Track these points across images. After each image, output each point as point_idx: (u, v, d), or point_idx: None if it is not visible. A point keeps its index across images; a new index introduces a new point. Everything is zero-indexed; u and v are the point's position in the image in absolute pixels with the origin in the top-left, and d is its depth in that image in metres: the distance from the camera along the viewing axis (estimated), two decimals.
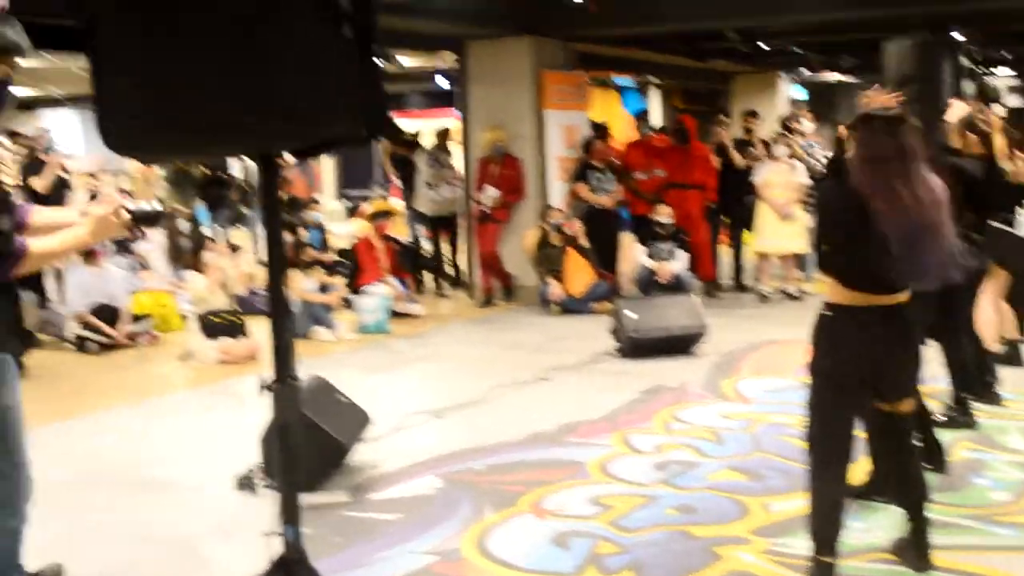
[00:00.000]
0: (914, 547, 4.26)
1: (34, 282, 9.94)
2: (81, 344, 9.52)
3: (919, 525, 4.22)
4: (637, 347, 8.49)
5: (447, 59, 13.17)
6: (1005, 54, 15.91)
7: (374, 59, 2.47)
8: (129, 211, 3.66)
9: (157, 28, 2.42)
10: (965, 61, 7.46)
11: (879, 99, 4.20)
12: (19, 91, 20.09)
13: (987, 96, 10.07)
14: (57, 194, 11.78)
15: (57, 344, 9.74)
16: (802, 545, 4.40)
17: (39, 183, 11.50)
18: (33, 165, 11.74)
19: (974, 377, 6.14)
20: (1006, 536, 4.63)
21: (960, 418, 6.00)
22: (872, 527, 4.65)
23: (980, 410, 6.14)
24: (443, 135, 12.90)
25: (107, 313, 9.65)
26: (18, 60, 3.55)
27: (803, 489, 4.05)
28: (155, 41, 2.45)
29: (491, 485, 5.51)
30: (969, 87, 7.70)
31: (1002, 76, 17.19)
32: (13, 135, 14.27)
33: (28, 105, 22.13)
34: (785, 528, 4.70)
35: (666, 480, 5.52)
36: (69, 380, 8.54)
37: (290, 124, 2.41)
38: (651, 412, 6.88)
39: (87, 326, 9.54)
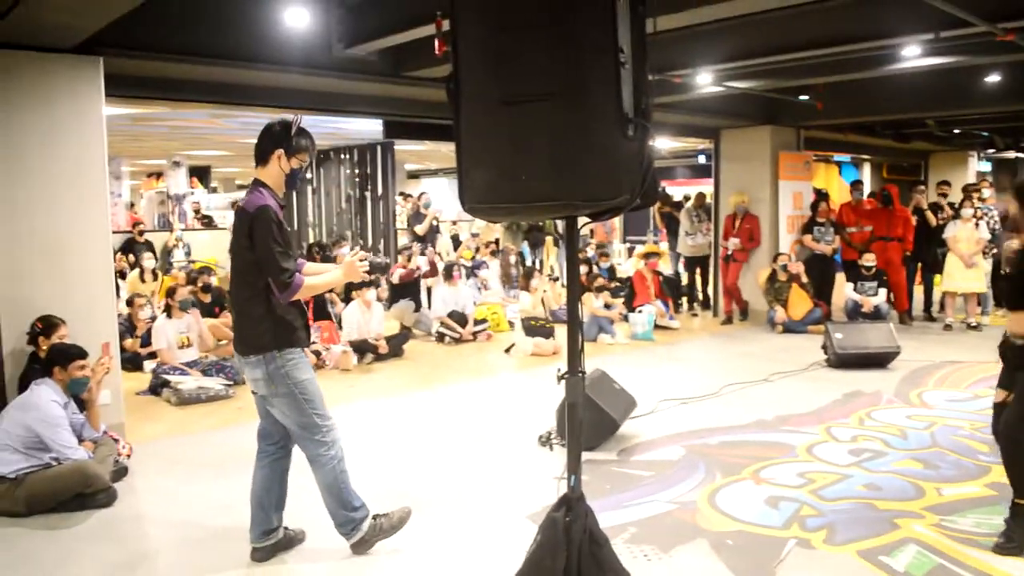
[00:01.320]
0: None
1: (413, 295, 10.67)
2: (441, 338, 9.99)
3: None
4: (842, 361, 8.10)
5: (705, 142, 12.99)
6: None
7: (648, 149, 2.53)
8: (367, 260, 3.89)
9: (499, 133, 2.58)
10: None
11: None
12: (409, 166, 21.57)
13: None
14: (431, 235, 12.64)
15: (425, 337, 10.25)
16: (965, 522, 4.11)
17: (419, 228, 12.41)
18: (416, 216, 12.68)
19: None
20: None
21: None
22: None
23: None
24: (700, 197, 12.70)
25: (459, 317, 10.06)
26: (307, 156, 3.72)
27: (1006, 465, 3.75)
28: (497, 141, 2.59)
29: (722, 456, 5.42)
30: None
31: None
32: (404, 196, 15.40)
33: (414, 175, 23.66)
34: (953, 508, 4.37)
35: (859, 463, 5.24)
36: (432, 362, 8.96)
37: (589, 198, 2.48)
38: (850, 411, 6.55)
39: (445, 325, 10.02)
